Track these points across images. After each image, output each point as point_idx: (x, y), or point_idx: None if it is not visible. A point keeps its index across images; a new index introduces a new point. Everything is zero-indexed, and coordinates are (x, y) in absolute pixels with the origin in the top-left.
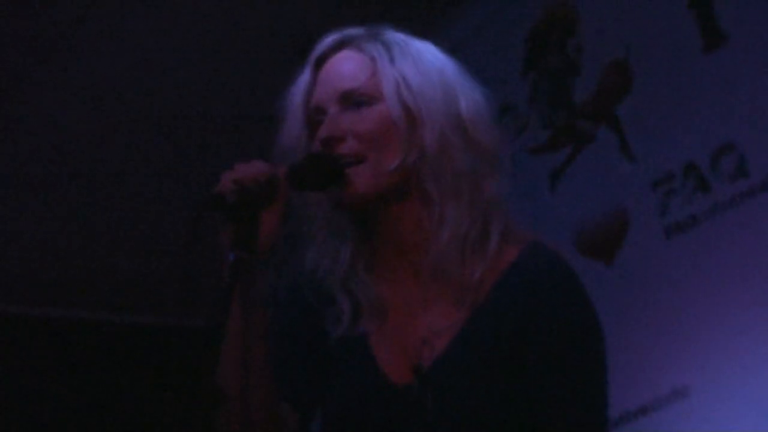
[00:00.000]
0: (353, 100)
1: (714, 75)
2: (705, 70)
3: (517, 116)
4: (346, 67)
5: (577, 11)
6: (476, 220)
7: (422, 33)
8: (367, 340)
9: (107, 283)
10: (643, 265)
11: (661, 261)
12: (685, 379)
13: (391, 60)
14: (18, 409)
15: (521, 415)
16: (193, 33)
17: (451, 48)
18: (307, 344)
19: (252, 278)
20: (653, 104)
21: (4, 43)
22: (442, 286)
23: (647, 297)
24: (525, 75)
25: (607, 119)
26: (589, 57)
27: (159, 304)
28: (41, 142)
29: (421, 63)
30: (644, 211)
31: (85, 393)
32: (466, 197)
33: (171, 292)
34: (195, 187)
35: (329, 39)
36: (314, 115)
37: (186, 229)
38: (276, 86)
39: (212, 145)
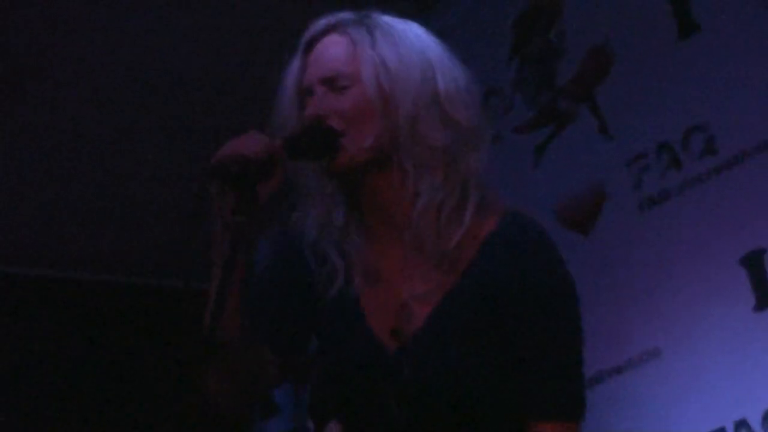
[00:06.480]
0: (336, 83)
1: (687, 61)
2: (679, 57)
3: (503, 98)
4: (331, 51)
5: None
6: (452, 192)
7: (411, 18)
8: (358, 301)
9: (116, 247)
10: (618, 237)
11: (635, 232)
12: (656, 341)
13: (372, 44)
14: (28, 369)
15: (502, 381)
16: (197, 20)
17: (440, 33)
18: (293, 292)
19: (249, 241)
20: (630, 87)
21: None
22: (423, 253)
23: (622, 266)
24: (511, 59)
25: (587, 101)
26: (571, 42)
27: (167, 268)
28: (49, 117)
29: (401, 45)
30: (620, 186)
31: (91, 352)
32: (440, 171)
33: (176, 256)
34: (195, 159)
35: (319, 23)
36: (304, 96)
37: (192, 196)
38: (274, 74)
39: (214, 121)
